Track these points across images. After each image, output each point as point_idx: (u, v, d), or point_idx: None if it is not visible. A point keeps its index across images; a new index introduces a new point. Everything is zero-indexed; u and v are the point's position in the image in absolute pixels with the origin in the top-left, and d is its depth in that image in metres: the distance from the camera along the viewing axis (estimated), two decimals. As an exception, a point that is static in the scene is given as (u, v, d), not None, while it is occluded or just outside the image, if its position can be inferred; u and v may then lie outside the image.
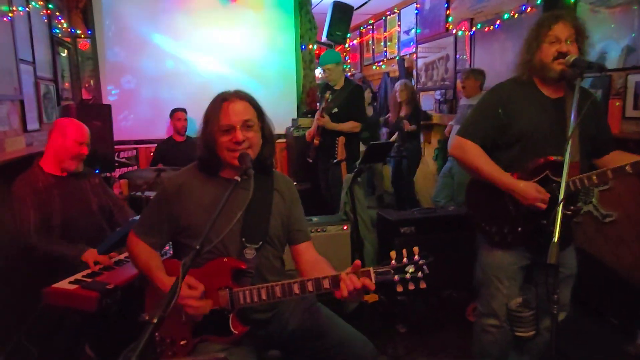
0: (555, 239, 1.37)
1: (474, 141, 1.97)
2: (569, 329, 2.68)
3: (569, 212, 1.82)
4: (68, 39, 5.05)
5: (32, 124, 3.64)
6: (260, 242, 1.66)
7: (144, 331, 0.99)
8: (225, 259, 1.61)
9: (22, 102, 3.50)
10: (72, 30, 5.10)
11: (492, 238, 2.03)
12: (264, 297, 1.53)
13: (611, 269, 3.27)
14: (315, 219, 3.12)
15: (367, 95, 6.17)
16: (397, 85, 5.35)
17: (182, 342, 1.64)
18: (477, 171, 1.98)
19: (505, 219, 1.97)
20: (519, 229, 1.94)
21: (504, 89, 2.01)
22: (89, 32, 5.16)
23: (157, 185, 3.85)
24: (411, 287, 1.43)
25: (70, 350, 2.31)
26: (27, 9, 3.72)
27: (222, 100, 1.63)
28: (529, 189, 1.84)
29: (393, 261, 1.44)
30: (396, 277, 1.43)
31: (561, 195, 1.48)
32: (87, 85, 5.25)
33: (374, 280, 1.44)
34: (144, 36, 5.28)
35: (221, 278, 1.59)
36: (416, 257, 1.44)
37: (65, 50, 4.95)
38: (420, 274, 1.42)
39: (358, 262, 1.49)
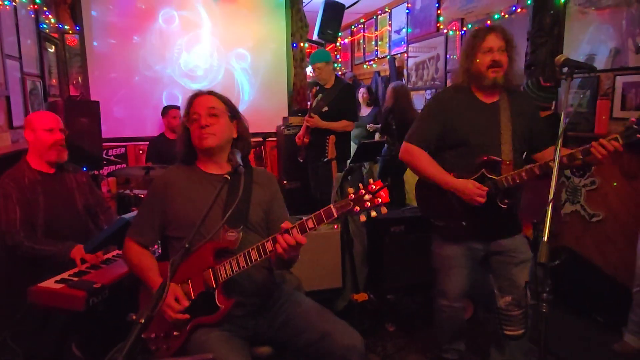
0: (545, 238, 1.38)
1: (419, 146, 2.17)
2: (556, 327, 2.71)
3: (503, 206, 2.03)
4: (56, 35, 4.97)
5: (18, 121, 3.58)
6: (241, 226, 1.74)
7: (131, 331, 0.98)
8: (207, 243, 1.65)
9: (7, 98, 3.44)
10: (60, 26, 5.03)
11: (442, 232, 2.24)
12: (242, 263, 1.61)
13: (597, 267, 3.31)
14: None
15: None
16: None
17: (175, 334, 1.66)
18: (422, 172, 2.19)
19: (451, 215, 2.15)
20: (464, 222, 2.13)
21: (444, 97, 2.25)
22: (77, 28, 5.10)
23: (145, 183, 3.82)
24: (373, 214, 1.52)
25: (57, 350, 2.28)
26: (13, 3, 3.66)
27: (193, 96, 1.83)
28: (467, 186, 2.03)
29: (352, 194, 1.53)
30: (356, 208, 1.51)
31: (550, 195, 1.48)
32: (75, 82, 5.18)
33: (335, 215, 1.54)
34: (132, 33, 5.22)
35: (204, 261, 1.66)
36: (371, 186, 1.52)
37: (53, 46, 4.88)
38: (379, 200, 1.50)
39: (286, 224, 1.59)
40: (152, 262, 1.77)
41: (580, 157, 1.90)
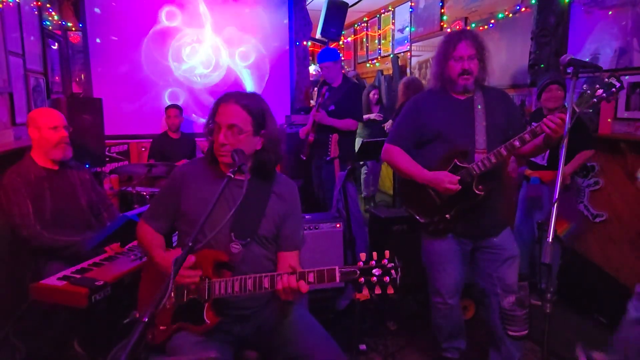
0: (550, 239, 1.37)
1: (397, 145, 2.26)
2: (558, 327, 2.70)
3: (479, 192, 2.07)
4: (59, 32, 4.97)
5: (21, 117, 3.58)
6: (248, 239, 1.69)
7: (134, 329, 0.98)
8: (210, 251, 1.64)
9: (10, 95, 3.44)
10: (63, 23, 5.03)
11: (427, 228, 2.26)
12: (236, 289, 1.56)
13: (600, 267, 3.30)
14: (307, 216, 3.11)
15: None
16: None
17: (161, 328, 1.66)
18: (400, 170, 2.27)
19: (434, 209, 2.21)
20: (447, 215, 2.17)
21: (419, 98, 2.33)
22: (80, 25, 5.09)
23: (148, 180, 3.82)
24: (377, 291, 1.42)
25: (59, 347, 2.28)
26: (17, 0, 3.66)
27: (219, 100, 1.70)
28: (439, 176, 2.10)
29: (361, 262, 1.45)
30: (361, 279, 1.42)
31: (555, 195, 1.48)
32: (77, 79, 5.18)
33: (337, 280, 1.45)
34: (135, 30, 5.21)
35: (204, 268, 1.62)
36: (384, 260, 1.43)
37: (56, 43, 4.88)
38: (387, 278, 1.41)
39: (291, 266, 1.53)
40: (160, 240, 1.78)
41: (529, 138, 1.95)
